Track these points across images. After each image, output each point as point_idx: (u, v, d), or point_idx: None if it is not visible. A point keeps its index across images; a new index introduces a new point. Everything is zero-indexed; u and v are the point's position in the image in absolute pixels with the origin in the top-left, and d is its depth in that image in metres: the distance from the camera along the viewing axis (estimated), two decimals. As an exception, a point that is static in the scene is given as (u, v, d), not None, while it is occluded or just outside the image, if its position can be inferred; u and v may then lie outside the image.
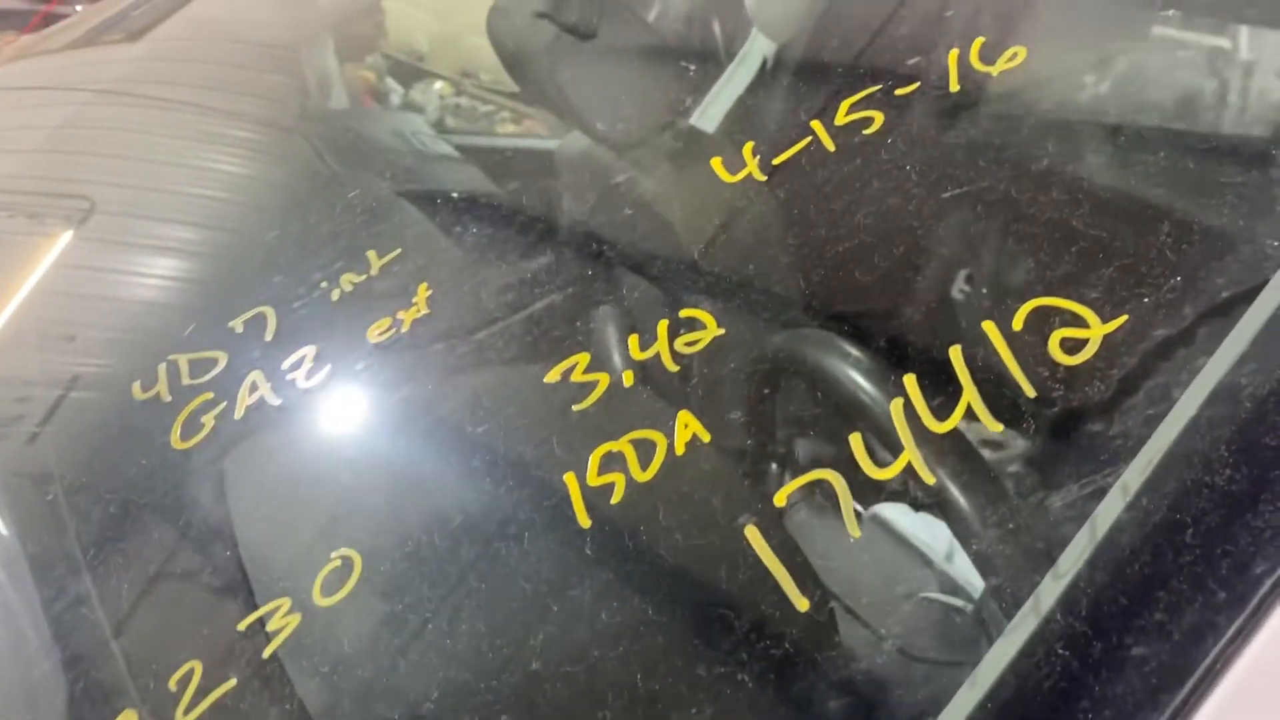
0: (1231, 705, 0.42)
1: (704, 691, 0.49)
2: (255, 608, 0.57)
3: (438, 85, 1.34)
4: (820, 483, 0.54)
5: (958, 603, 0.61)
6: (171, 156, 1.08)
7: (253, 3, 1.43)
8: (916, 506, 0.64)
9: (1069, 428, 0.57)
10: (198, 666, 0.56)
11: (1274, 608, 0.43)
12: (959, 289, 0.69)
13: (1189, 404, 0.51)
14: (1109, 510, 0.50)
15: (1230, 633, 0.43)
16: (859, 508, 0.58)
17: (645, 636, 0.51)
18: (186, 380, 0.72)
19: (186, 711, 0.54)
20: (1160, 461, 0.50)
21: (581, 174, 0.96)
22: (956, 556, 0.62)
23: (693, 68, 1.01)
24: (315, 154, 1.08)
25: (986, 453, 0.60)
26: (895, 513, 0.63)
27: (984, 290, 0.63)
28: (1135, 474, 0.50)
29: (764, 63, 0.97)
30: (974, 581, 0.60)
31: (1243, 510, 0.46)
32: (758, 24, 1.01)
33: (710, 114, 0.93)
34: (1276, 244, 0.56)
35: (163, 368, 0.73)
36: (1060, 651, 0.45)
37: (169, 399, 0.71)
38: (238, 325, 0.74)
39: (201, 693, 0.54)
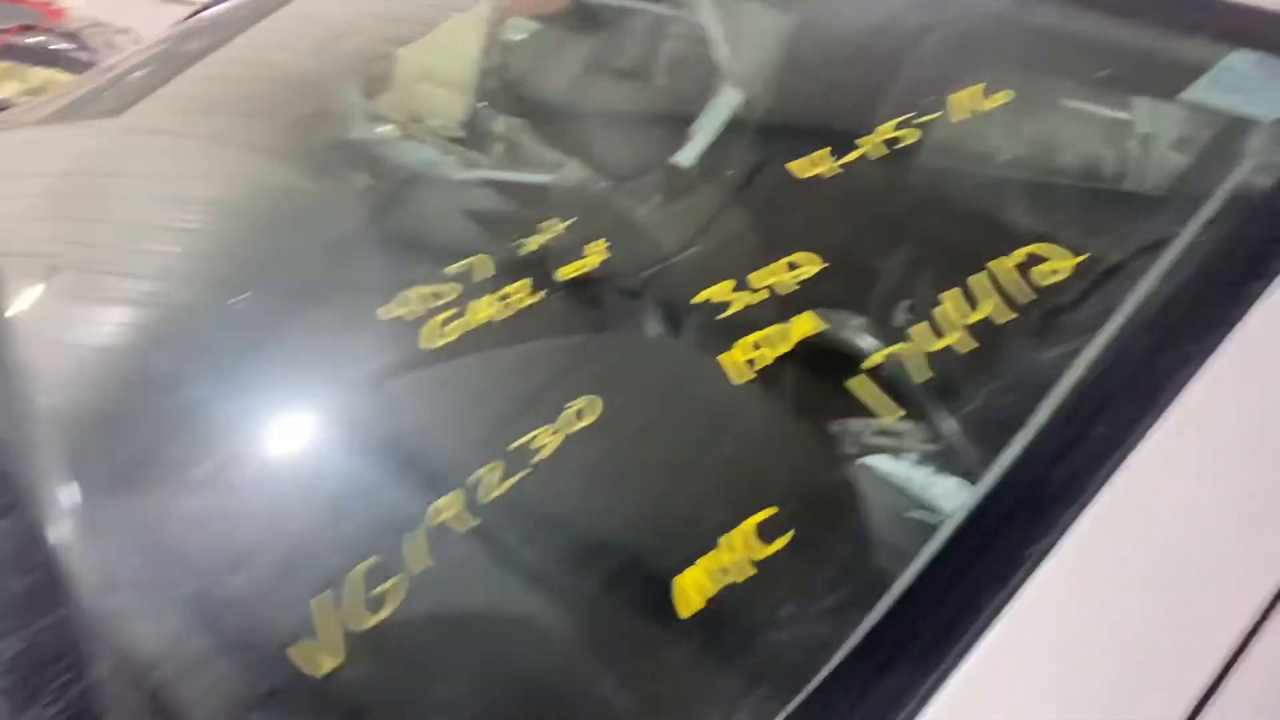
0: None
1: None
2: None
3: (386, 128, 1.37)
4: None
5: (930, 517, 0.69)
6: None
7: (278, 42, 1.49)
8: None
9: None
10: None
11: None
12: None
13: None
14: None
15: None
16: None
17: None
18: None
19: None
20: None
21: (576, 203, 1.12)
22: (933, 486, 0.72)
23: (676, 113, 1.19)
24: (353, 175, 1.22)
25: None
26: (879, 460, 0.74)
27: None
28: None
29: (734, 110, 1.14)
30: (942, 505, 0.69)
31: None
32: (729, 78, 1.18)
33: (689, 152, 1.11)
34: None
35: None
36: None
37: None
38: None
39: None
